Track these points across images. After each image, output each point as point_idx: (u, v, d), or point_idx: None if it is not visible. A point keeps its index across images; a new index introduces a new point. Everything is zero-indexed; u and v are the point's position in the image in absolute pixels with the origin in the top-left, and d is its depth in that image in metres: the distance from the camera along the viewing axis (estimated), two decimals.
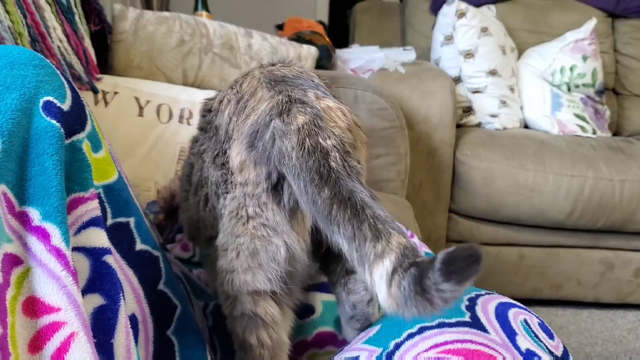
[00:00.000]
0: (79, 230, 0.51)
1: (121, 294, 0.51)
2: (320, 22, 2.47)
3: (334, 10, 3.90)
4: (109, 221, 0.57)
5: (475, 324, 0.58)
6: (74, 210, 0.51)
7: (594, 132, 2.17)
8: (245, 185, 0.60)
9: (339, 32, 3.33)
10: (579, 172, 1.86)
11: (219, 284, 0.65)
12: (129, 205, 0.59)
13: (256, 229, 0.60)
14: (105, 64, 1.32)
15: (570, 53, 2.20)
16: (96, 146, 0.56)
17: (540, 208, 1.87)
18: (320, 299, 0.74)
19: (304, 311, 0.73)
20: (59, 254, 0.46)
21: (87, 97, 1.14)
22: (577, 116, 2.17)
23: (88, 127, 0.54)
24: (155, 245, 0.61)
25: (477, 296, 0.64)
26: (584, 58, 2.20)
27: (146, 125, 1.16)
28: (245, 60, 1.39)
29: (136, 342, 0.56)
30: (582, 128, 2.15)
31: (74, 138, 0.52)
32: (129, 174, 1.11)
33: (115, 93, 1.17)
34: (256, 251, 0.61)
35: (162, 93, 1.20)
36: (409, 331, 0.59)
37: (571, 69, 2.19)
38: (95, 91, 1.14)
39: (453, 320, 0.59)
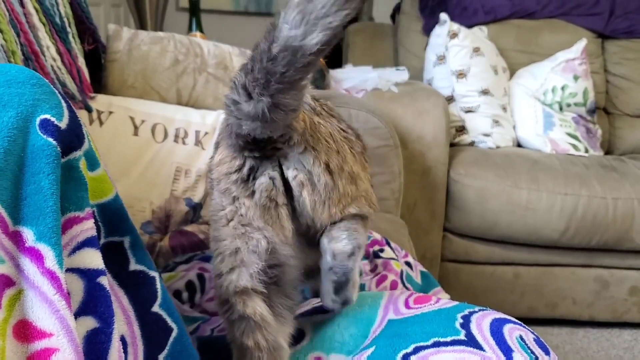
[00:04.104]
0: (73, 251, 0.50)
1: (115, 317, 0.50)
2: None
3: None
4: (102, 240, 0.56)
5: (471, 341, 0.58)
6: (68, 230, 0.50)
7: (587, 151, 2.19)
8: (219, 181, 0.61)
9: (332, 52, 3.35)
10: (573, 191, 1.86)
11: (214, 291, 0.65)
12: (124, 224, 0.58)
13: (236, 229, 0.60)
14: (99, 84, 1.31)
15: (562, 73, 2.23)
16: (92, 164, 0.55)
17: (534, 226, 1.87)
18: (310, 322, 0.73)
19: (295, 337, 0.72)
20: (52, 276, 0.45)
21: (81, 116, 1.13)
22: (570, 135, 2.18)
23: (85, 145, 0.54)
24: (151, 265, 0.60)
25: (471, 313, 0.63)
26: (575, 78, 2.22)
27: (141, 145, 1.15)
28: None
29: None
30: (575, 147, 2.17)
31: (71, 156, 0.52)
32: (123, 194, 1.10)
33: (110, 113, 1.16)
34: (238, 249, 0.61)
35: (157, 112, 1.19)
36: (404, 351, 0.58)
37: (562, 88, 2.21)
38: (89, 110, 1.14)
39: (448, 338, 0.59)
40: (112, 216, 0.57)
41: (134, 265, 0.58)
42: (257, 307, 0.62)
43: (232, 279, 0.62)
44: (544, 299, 2.00)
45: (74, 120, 0.53)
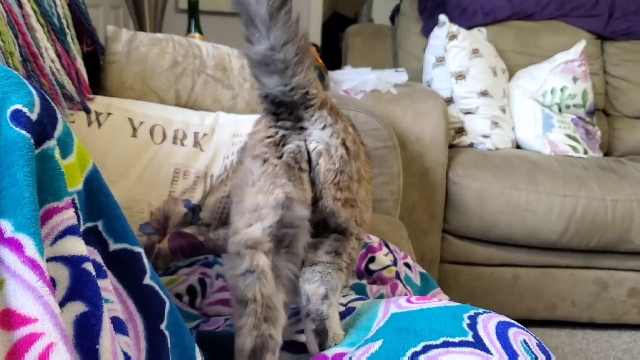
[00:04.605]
0: (55, 240, 0.50)
1: (103, 300, 0.50)
2: (313, 44, 2.48)
3: (326, 33, 3.94)
4: (81, 227, 0.56)
5: (479, 343, 0.58)
6: (48, 221, 0.50)
7: (586, 153, 2.19)
8: (254, 147, 0.69)
9: (331, 54, 3.36)
10: (572, 192, 1.86)
11: (227, 249, 0.70)
12: (95, 208, 0.58)
13: (261, 187, 0.66)
14: (98, 85, 1.31)
15: (561, 74, 2.23)
16: (65, 152, 0.55)
17: (533, 228, 1.87)
18: None
19: (302, 347, 0.72)
20: (33, 264, 0.45)
21: (80, 118, 1.13)
22: (569, 136, 2.18)
23: (58, 132, 0.54)
24: (135, 241, 0.60)
25: (477, 314, 0.63)
26: (574, 79, 2.22)
27: (140, 146, 1.15)
28: (238, 82, 1.39)
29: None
30: (574, 148, 2.17)
31: (44, 146, 0.51)
32: (122, 196, 1.10)
33: (109, 114, 1.16)
34: (258, 206, 0.66)
35: (155, 114, 1.19)
36: (414, 349, 0.59)
37: (562, 90, 2.21)
38: (87, 111, 1.14)
39: (457, 339, 0.59)
40: (84, 203, 0.57)
41: (113, 246, 0.58)
42: (261, 261, 0.66)
43: (247, 232, 0.66)
44: (543, 301, 2.00)
45: (46, 108, 0.52)
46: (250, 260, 0.66)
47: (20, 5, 0.99)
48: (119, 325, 0.54)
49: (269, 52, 0.61)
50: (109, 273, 0.57)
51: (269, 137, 0.68)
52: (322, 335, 0.67)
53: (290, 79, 0.63)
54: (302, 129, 0.67)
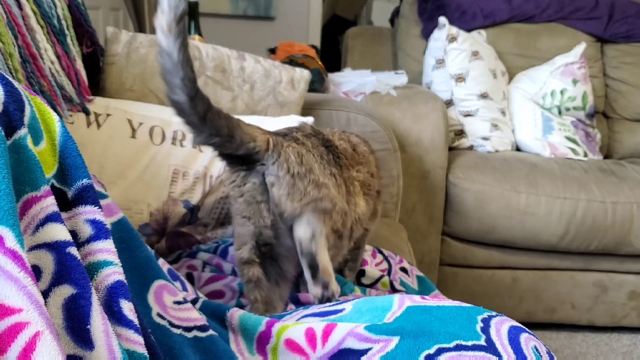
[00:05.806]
0: (37, 229, 0.50)
1: (91, 283, 0.51)
2: (313, 46, 2.49)
3: (326, 35, 3.94)
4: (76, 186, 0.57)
5: (490, 348, 0.58)
6: (28, 211, 0.50)
7: (585, 155, 2.19)
8: (230, 190, 0.87)
9: (331, 56, 3.36)
10: (571, 195, 1.86)
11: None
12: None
13: (238, 220, 0.87)
14: (97, 87, 1.31)
15: (561, 77, 2.23)
16: (37, 138, 0.55)
17: (533, 231, 1.87)
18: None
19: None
20: (14, 255, 0.45)
21: (78, 118, 1.13)
22: (569, 139, 2.18)
23: (27, 118, 0.53)
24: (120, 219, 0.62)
25: (490, 317, 0.63)
26: (574, 82, 2.22)
27: (139, 147, 1.15)
28: (238, 83, 1.39)
29: (137, 295, 0.56)
30: (574, 151, 2.17)
31: (16, 136, 0.51)
32: (121, 196, 1.10)
33: (108, 115, 1.16)
34: (240, 233, 0.87)
35: (154, 115, 1.19)
36: (427, 352, 0.59)
37: (561, 92, 2.21)
38: (86, 113, 1.14)
39: (469, 343, 0.59)
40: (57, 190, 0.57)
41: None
42: (255, 272, 0.87)
43: (239, 252, 0.88)
44: (543, 304, 1.99)
45: (11, 94, 0.52)
46: (247, 272, 0.87)
47: (20, 7, 0.99)
48: (123, 291, 0.54)
49: (207, 139, 0.78)
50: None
51: (233, 180, 0.86)
52: (313, 268, 0.80)
53: (231, 145, 0.80)
54: (263, 164, 0.82)
